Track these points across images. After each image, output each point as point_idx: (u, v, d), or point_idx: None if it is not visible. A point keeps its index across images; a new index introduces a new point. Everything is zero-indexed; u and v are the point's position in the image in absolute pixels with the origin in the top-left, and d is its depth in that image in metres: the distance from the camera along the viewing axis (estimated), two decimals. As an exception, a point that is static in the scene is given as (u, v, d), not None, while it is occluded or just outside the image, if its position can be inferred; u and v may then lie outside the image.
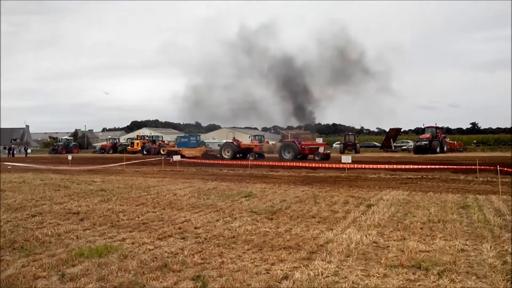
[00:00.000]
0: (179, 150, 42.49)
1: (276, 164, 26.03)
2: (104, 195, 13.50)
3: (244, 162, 26.59)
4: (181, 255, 6.38)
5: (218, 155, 38.31)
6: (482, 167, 18.34)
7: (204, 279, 5.30)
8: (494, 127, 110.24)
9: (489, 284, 5.14)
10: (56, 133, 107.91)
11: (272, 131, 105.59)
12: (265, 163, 27.86)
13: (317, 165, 24.82)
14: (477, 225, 8.48)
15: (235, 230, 8.20)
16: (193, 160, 29.95)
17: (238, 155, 37.26)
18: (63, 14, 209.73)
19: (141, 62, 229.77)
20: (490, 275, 5.43)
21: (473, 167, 18.61)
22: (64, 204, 11.64)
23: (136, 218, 9.56)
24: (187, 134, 53.41)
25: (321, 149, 34.02)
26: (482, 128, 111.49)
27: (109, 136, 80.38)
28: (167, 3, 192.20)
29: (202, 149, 42.55)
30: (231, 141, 38.86)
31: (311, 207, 10.96)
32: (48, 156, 56.23)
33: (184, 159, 29.77)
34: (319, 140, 40.52)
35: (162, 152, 47.02)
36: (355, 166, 21.91)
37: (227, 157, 36.60)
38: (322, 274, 5.44)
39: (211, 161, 29.80)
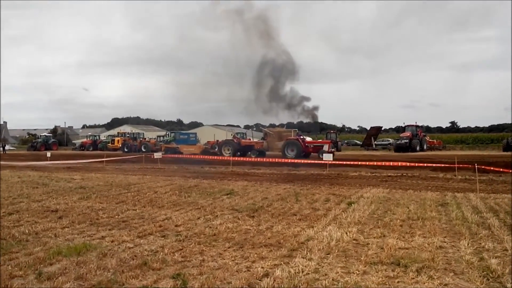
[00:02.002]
0: (178, 147, 42.06)
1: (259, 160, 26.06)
2: (84, 192, 13.32)
3: (226, 159, 26.49)
4: (161, 253, 6.33)
5: (218, 153, 37.49)
6: (461, 165, 18.65)
7: (184, 277, 5.27)
8: (472, 126, 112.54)
9: (466, 281, 5.22)
10: (35, 129, 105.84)
11: (255, 128, 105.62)
12: (247, 159, 27.80)
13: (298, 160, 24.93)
14: (455, 222, 8.62)
15: (216, 228, 8.17)
16: (175, 156, 29.76)
17: (238, 153, 36.19)
18: (41, 9, 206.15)
19: (121, 59, 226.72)
20: (467, 271, 5.52)
21: (451, 165, 18.90)
22: (42, 202, 11.45)
23: (116, 216, 9.45)
24: (185, 131, 52.91)
25: (325, 147, 33.43)
26: (461, 127, 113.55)
27: (89, 133, 79.18)
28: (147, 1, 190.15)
29: (201, 146, 42.09)
30: (231, 138, 38.35)
31: (293, 204, 11.00)
32: (27, 153, 55.22)
33: (166, 156, 29.56)
34: None
35: (143, 150, 46.59)
36: (337, 161, 22.09)
37: (227, 155, 35.07)
38: (302, 272, 5.45)
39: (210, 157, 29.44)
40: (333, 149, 35.91)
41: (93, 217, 9.35)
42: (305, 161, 26.11)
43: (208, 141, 46.78)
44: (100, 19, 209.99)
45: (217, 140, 44.87)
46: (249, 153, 35.89)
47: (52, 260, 5.97)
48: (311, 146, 34.39)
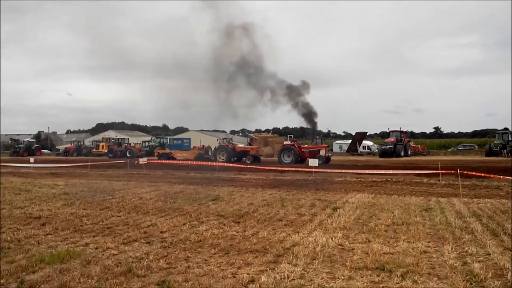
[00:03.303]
0: (171, 153, 41.70)
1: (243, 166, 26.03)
2: (67, 199, 13.16)
3: (214, 164, 26.39)
4: (146, 260, 6.28)
5: (212, 158, 36.55)
6: (444, 171, 18.86)
7: (170, 284, 5.24)
8: (456, 131, 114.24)
9: (449, 285, 5.28)
10: (18, 135, 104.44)
11: (240, 134, 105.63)
12: (235, 165, 27.73)
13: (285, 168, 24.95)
14: (439, 227, 8.71)
15: (202, 234, 8.14)
16: (160, 162, 29.59)
17: (233, 159, 35.53)
18: (23, 12, 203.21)
19: (105, 63, 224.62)
20: (451, 276, 5.58)
21: (435, 171, 19.11)
22: (25, 209, 11.28)
23: (100, 223, 9.35)
24: (179, 137, 52.34)
25: (322, 152, 32.99)
26: (444, 132, 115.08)
27: (74, 138, 78.23)
28: (129, 3, 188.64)
29: (195, 152, 41.74)
30: (226, 144, 37.82)
31: (278, 210, 11.00)
32: (9, 158, 54.34)
33: (152, 161, 29.35)
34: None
35: (128, 155, 46.15)
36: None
37: (222, 160, 34.37)
38: (288, 277, 5.46)
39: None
40: (329, 154, 35.68)
41: (77, 223, 9.24)
42: (290, 168, 25.98)
43: (194, 146, 46.58)
44: (83, 23, 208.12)
45: (203, 146, 44.70)
46: (244, 158, 35.35)
47: (34, 267, 5.88)
48: (307, 151, 33.99)
